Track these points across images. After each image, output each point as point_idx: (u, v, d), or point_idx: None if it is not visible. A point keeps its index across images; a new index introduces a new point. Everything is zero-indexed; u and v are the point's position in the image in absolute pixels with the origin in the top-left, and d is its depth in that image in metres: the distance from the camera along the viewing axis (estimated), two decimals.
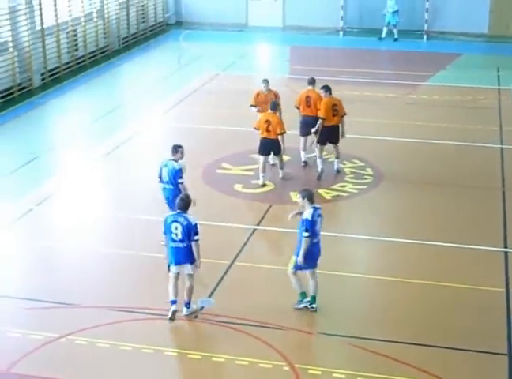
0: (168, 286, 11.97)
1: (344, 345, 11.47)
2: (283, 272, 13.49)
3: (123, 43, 32.49)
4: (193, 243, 11.70)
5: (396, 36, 33.89)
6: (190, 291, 12.04)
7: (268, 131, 17.14)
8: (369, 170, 18.33)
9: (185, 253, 11.81)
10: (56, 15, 27.21)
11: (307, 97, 18.16)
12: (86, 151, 19.81)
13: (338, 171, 18.20)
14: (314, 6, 36.10)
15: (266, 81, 18.92)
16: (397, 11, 33.52)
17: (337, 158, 18.14)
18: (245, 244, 14.56)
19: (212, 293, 12.76)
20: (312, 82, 18.43)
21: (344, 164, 18.63)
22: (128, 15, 33.10)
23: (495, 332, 11.78)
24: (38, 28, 26.29)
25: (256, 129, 17.40)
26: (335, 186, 17.35)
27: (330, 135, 17.79)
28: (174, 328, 11.92)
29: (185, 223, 11.67)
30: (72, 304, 12.41)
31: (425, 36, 35.05)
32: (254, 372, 10.73)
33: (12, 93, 24.45)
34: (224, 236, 15.03)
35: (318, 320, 12.07)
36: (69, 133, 21.36)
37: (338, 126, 17.78)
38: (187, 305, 12.08)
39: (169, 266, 12.20)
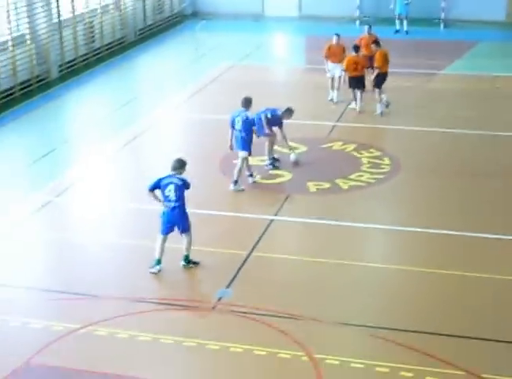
0: None
1: (363, 335, 11.49)
2: (301, 261, 13.58)
3: (139, 35, 32.53)
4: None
5: (406, 29, 33.44)
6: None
7: (356, 70, 21.44)
8: (386, 160, 18.31)
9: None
10: (73, 7, 27.30)
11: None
12: (103, 142, 19.90)
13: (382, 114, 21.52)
14: None
15: (338, 35, 22.71)
16: (408, 3, 33.16)
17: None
18: (263, 234, 14.59)
19: (229, 283, 12.81)
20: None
21: (362, 154, 18.64)
22: (144, 6, 33.14)
23: None
24: (55, 20, 26.39)
25: (345, 70, 21.77)
26: (352, 176, 17.34)
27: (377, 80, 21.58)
28: (192, 319, 12.00)
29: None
30: (91, 295, 12.49)
31: (442, 24, 34.91)
32: (272, 362, 10.77)
33: (30, 85, 24.57)
34: (241, 227, 15.09)
35: (337, 310, 12.08)
36: (87, 125, 21.44)
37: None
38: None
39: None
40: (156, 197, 13.18)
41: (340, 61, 22.38)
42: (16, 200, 16.30)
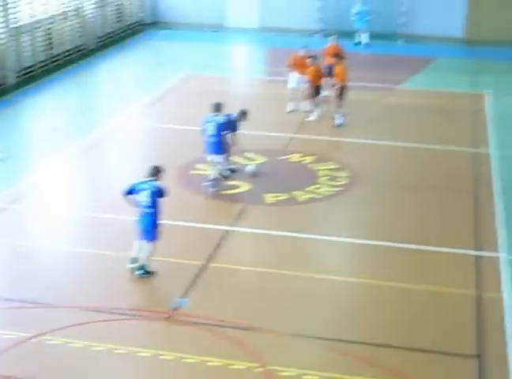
0: None
1: (317, 347, 11.53)
2: (256, 272, 13.59)
3: (99, 42, 32.36)
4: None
5: (363, 41, 34.01)
6: None
7: (319, 79, 22.13)
8: (344, 173, 18.41)
9: None
10: (31, 13, 27.06)
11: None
12: (60, 150, 19.72)
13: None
14: (291, 8, 36.15)
15: (305, 47, 23.16)
16: (361, 14, 33.82)
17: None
18: (218, 245, 14.58)
19: (185, 293, 12.77)
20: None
21: (319, 166, 18.72)
22: (104, 14, 32.98)
23: (465, 335, 11.89)
24: (13, 25, 26.14)
25: (311, 80, 21.89)
26: (309, 188, 17.40)
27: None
28: (147, 329, 11.93)
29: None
30: (45, 304, 12.36)
31: (401, 39, 35.21)
32: (225, 373, 10.74)
33: None
34: (197, 237, 15.05)
35: (292, 322, 12.11)
36: (44, 132, 21.26)
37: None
38: None
39: None
40: (130, 201, 13.21)
41: (304, 72, 22.53)
42: None
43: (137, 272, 13.19)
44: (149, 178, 13.14)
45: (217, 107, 17.03)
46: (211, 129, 16.74)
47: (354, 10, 34.11)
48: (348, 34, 33.39)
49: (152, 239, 13.14)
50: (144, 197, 12.98)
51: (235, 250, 14.79)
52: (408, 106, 24.65)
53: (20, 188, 17.24)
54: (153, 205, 12.99)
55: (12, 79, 25.73)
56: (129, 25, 35.68)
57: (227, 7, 37.31)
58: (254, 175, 17.94)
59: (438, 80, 28.01)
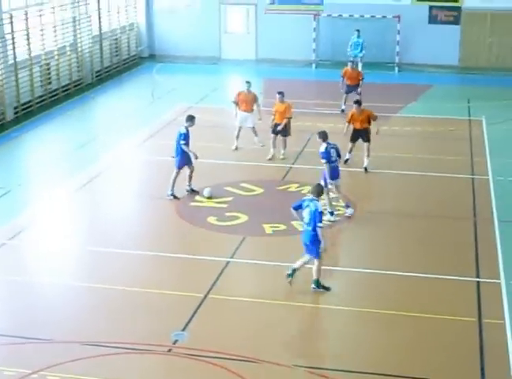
0: None
1: (318, 378, 11.46)
2: (257, 304, 13.52)
3: (97, 77, 32.51)
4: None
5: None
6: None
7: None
8: (341, 202, 18.38)
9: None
10: (29, 49, 27.22)
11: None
12: (59, 184, 19.74)
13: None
14: (286, 39, 36.38)
15: (249, 83, 22.47)
16: (356, 44, 33.78)
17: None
18: (219, 277, 14.54)
19: (185, 326, 12.72)
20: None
21: None
22: (101, 48, 33.16)
23: (468, 363, 11.82)
24: (11, 61, 26.27)
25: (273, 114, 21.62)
26: None
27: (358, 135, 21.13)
28: (147, 363, 11.86)
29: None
30: (44, 339, 12.30)
31: (396, 68, 35.44)
32: None
33: None
34: (197, 269, 15.02)
35: (293, 353, 12.06)
36: (42, 167, 21.28)
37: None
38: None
39: None
40: (296, 216, 14.04)
41: (251, 110, 22.25)
42: None
43: (312, 286, 13.81)
44: (312, 197, 13.74)
45: (325, 135, 17.44)
46: (335, 155, 17.34)
47: (350, 42, 33.96)
48: (344, 64, 33.54)
49: (315, 256, 13.71)
50: (305, 214, 13.62)
51: (235, 282, 14.75)
52: (404, 134, 24.70)
53: (20, 223, 17.22)
54: (311, 223, 13.53)
55: (10, 115, 25.82)
56: (126, 59, 35.86)
57: (223, 40, 37.56)
58: (209, 198, 18.32)
59: (434, 107, 28.09)
